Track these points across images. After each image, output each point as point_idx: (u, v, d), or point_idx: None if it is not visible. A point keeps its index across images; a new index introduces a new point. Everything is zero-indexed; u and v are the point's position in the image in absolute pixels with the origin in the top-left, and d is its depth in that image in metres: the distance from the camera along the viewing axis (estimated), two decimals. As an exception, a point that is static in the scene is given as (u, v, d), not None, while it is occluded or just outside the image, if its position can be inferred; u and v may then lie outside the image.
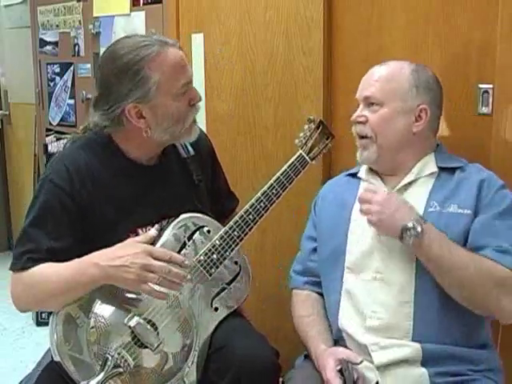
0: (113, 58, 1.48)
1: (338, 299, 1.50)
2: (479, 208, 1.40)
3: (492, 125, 1.66)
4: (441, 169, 1.48)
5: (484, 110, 1.69)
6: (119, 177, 1.54)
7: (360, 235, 1.48)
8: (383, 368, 1.38)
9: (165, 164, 1.62)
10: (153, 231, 1.46)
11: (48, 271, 1.42)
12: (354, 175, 1.60)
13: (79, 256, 1.42)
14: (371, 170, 1.56)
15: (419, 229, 1.32)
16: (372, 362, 1.39)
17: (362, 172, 1.58)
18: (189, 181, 1.65)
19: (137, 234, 1.52)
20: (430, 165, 1.49)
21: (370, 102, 1.49)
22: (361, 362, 1.38)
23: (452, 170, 1.48)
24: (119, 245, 1.42)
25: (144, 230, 1.53)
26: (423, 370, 1.36)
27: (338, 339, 1.50)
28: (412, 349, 1.37)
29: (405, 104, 1.47)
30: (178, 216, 1.55)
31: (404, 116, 1.47)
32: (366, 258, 1.46)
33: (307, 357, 1.54)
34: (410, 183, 1.48)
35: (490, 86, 1.66)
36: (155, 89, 1.45)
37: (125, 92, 1.46)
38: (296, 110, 2.05)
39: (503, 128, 1.63)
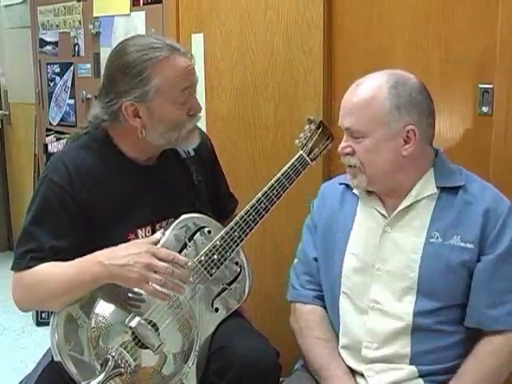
0: (121, 54, 1.49)
1: (330, 321, 1.49)
2: (484, 245, 1.33)
3: (492, 125, 1.66)
4: (442, 189, 1.39)
5: (484, 109, 1.69)
6: (118, 176, 1.54)
7: (357, 262, 1.44)
8: None
9: (164, 164, 1.62)
10: (158, 234, 1.46)
11: (50, 270, 1.42)
12: (349, 186, 1.51)
13: (81, 256, 1.42)
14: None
15: None
16: None
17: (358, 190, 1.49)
18: (188, 181, 1.65)
19: (136, 234, 1.52)
20: (429, 185, 1.40)
21: (352, 133, 1.39)
22: None
23: (454, 190, 1.38)
24: (123, 245, 1.42)
25: (143, 230, 1.54)
26: (420, 380, 1.35)
27: None
28: (408, 371, 1.36)
29: (389, 130, 1.35)
30: (178, 216, 1.54)
31: (390, 142, 1.35)
32: (362, 286, 1.42)
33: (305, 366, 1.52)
34: (409, 206, 1.40)
35: (490, 86, 1.66)
36: (154, 91, 1.45)
37: (125, 88, 1.46)
38: (296, 110, 2.05)
39: (503, 128, 1.63)
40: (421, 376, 1.35)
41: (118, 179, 1.53)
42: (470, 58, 1.70)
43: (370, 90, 1.37)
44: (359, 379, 1.41)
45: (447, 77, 1.75)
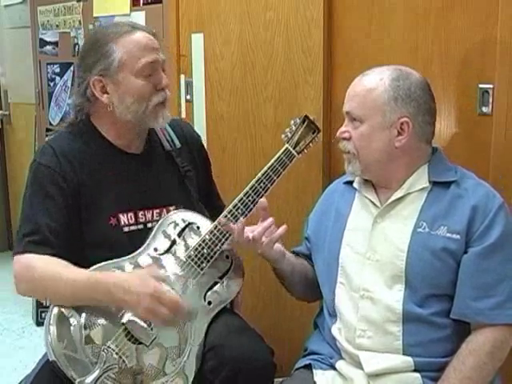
0: (89, 36, 1.64)
1: (328, 310, 1.51)
2: (471, 237, 1.35)
3: (492, 125, 1.66)
4: (434, 183, 1.43)
5: (484, 109, 1.69)
6: (104, 162, 1.58)
7: (351, 252, 1.47)
8: (375, 376, 1.37)
9: (150, 154, 1.65)
10: (162, 271, 1.50)
11: (63, 274, 1.43)
12: (351, 183, 1.56)
13: (75, 241, 1.48)
14: (366, 180, 1.51)
15: None
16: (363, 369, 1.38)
17: (357, 182, 1.54)
18: (174, 172, 1.66)
19: (117, 219, 1.55)
20: (421, 179, 1.43)
21: (352, 118, 1.45)
22: None
23: (446, 184, 1.42)
24: (135, 275, 1.45)
25: (125, 215, 1.56)
26: (416, 374, 1.35)
27: (332, 344, 1.49)
28: (403, 360, 1.36)
29: (384, 119, 1.40)
30: (162, 207, 1.59)
31: (384, 131, 1.41)
32: (356, 275, 1.44)
33: (306, 367, 1.51)
34: (400, 198, 1.43)
35: (490, 85, 1.66)
36: (117, 63, 1.52)
37: (90, 63, 1.54)
38: (296, 110, 2.05)
39: (503, 128, 1.63)
40: (416, 369, 1.36)
41: (104, 165, 1.57)
42: (470, 58, 1.70)
43: (372, 80, 1.44)
44: (353, 368, 1.41)
45: (447, 77, 1.75)
